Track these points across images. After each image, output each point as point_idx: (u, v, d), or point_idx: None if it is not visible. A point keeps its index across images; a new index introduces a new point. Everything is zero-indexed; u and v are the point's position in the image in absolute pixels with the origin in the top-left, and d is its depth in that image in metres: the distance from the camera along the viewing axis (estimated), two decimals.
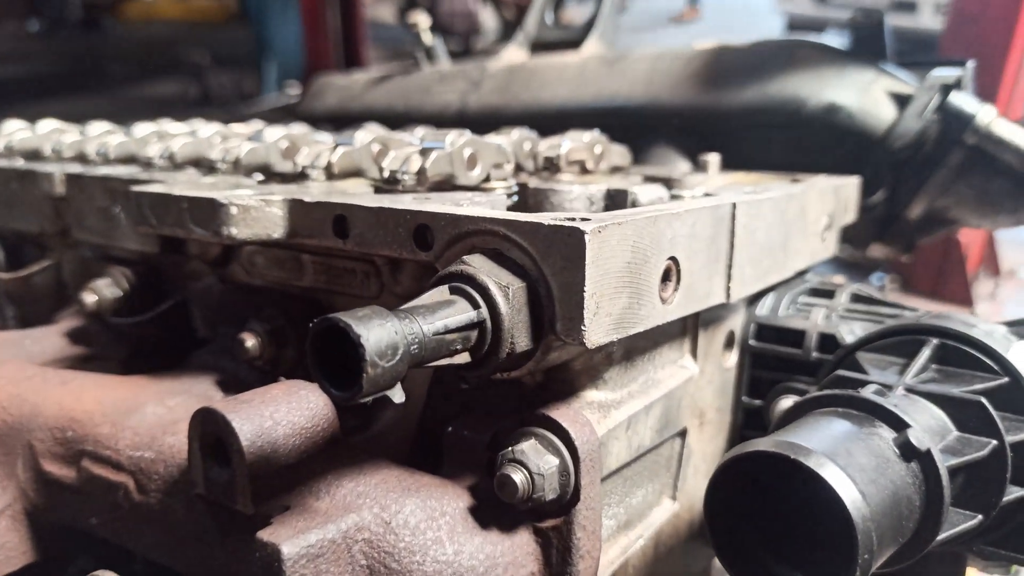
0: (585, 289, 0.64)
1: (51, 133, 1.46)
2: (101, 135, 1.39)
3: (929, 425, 0.77)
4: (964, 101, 1.35)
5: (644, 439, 0.84)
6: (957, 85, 1.37)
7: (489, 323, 0.66)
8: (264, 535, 0.64)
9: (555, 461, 0.72)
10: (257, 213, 0.83)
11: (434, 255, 0.74)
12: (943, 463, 0.71)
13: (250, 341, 0.89)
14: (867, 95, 1.43)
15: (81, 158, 1.32)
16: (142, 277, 1.09)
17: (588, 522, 0.74)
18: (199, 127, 1.30)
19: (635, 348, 0.84)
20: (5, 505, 0.88)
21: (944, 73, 1.39)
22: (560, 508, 0.73)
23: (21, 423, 0.88)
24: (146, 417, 0.83)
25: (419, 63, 2.13)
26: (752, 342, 1.02)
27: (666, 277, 0.76)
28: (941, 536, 0.74)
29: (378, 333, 0.56)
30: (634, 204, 0.96)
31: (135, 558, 0.96)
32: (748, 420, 1.02)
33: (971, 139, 1.34)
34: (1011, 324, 0.96)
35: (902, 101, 1.41)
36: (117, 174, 1.10)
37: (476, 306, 0.65)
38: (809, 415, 0.76)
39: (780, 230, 0.99)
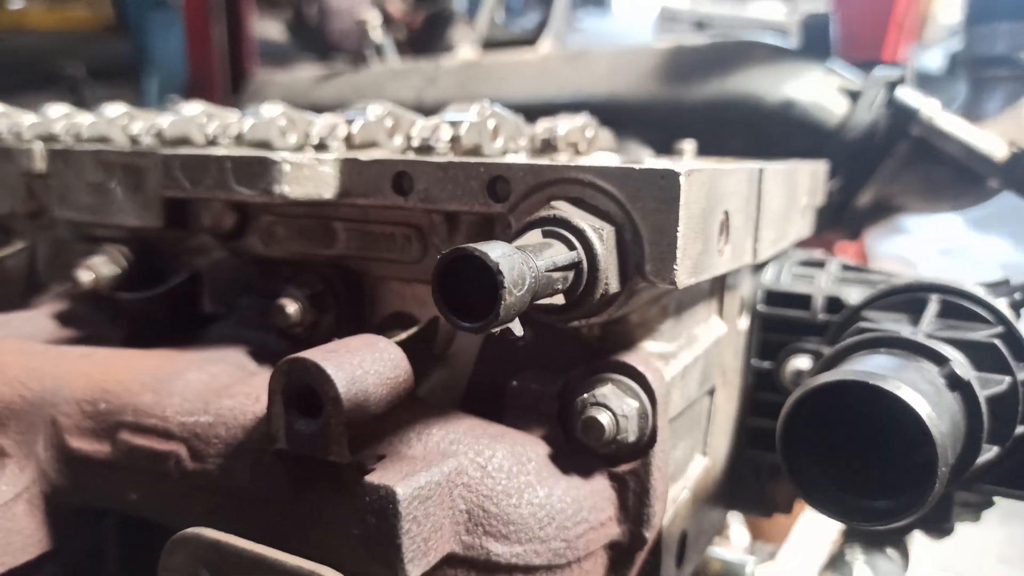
0: (679, 230, 0.67)
1: (0, 116, 1.37)
2: (64, 116, 1.32)
3: None
4: (909, 96, 1.47)
5: (691, 391, 0.87)
6: (902, 81, 1.49)
7: (585, 264, 0.67)
8: (374, 478, 0.63)
9: (635, 404, 0.74)
10: (310, 172, 0.81)
11: (508, 206, 0.75)
12: (981, 392, 0.77)
13: (291, 307, 0.87)
14: (820, 91, 1.54)
15: (47, 139, 1.24)
16: (140, 253, 1.04)
17: (663, 464, 0.76)
18: (182, 107, 1.25)
19: (683, 303, 0.88)
20: (23, 488, 0.82)
21: (887, 72, 1.52)
22: (637, 451, 0.75)
23: (43, 398, 0.82)
24: (191, 384, 0.80)
25: (368, 60, 2.12)
26: (760, 307, 1.08)
27: (721, 229, 0.80)
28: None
29: (510, 262, 0.57)
30: None
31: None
32: (758, 382, 1.08)
33: (916, 131, 1.47)
34: (991, 285, 1.06)
35: (852, 96, 1.53)
36: (111, 147, 1.05)
37: (572, 248, 0.67)
38: (854, 355, 0.81)
39: (784, 201, 1.05)
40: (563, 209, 0.69)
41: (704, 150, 1.52)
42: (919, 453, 0.69)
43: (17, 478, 0.82)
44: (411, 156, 0.80)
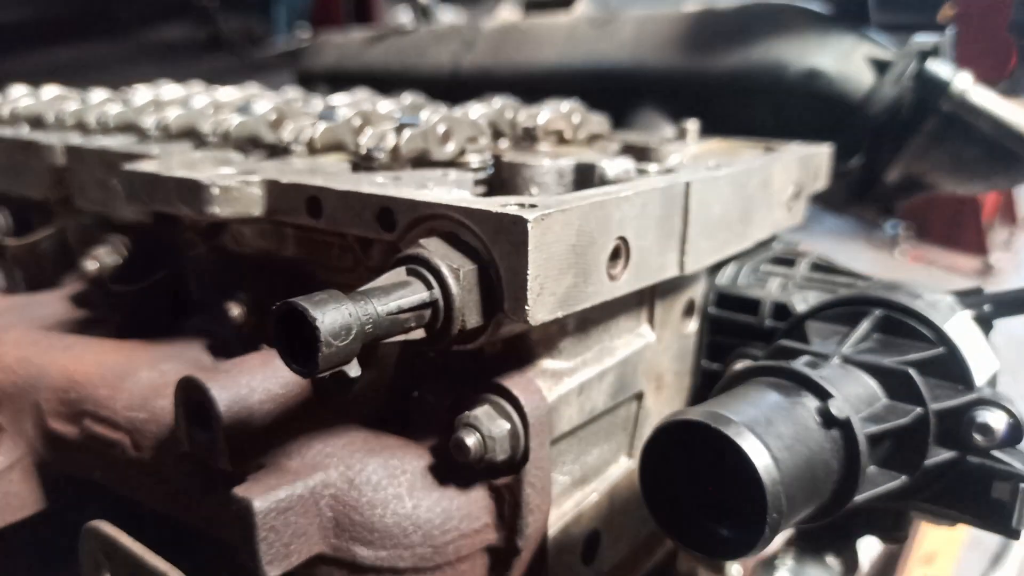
0: (528, 272, 0.70)
1: (53, 100, 1.52)
2: (101, 103, 1.44)
3: (857, 394, 0.83)
4: (940, 68, 1.37)
5: (597, 403, 0.90)
6: (934, 52, 1.39)
7: (441, 303, 0.72)
8: (239, 491, 0.71)
9: (506, 425, 0.78)
10: (238, 193, 0.89)
11: (397, 236, 0.80)
12: (862, 430, 0.77)
13: (235, 310, 0.96)
14: (847, 61, 1.45)
15: (82, 126, 1.37)
16: (140, 245, 1.16)
17: (537, 480, 0.81)
18: (196, 94, 1.35)
19: (589, 320, 0.90)
20: (17, 458, 0.97)
21: (923, 39, 1.41)
22: (511, 467, 0.80)
23: (30, 384, 0.96)
24: (140, 380, 0.91)
25: (417, 21, 2.15)
26: (711, 310, 1.08)
27: (615, 255, 0.81)
28: (866, 494, 0.81)
29: (332, 316, 0.63)
30: (602, 178, 1.00)
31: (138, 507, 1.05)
32: (706, 382, 1.09)
33: (946, 106, 1.37)
34: (962, 293, 1.01)
35: (881, 67, 1.44)
36: (114, 146, 1.16)
37: (430, 287, 0.71)
38: (743, 385, 0.82)
39: (739, 203, 1.04)
40: (427, 248, 0.73)
41: (726, 124, 1.48)
42: (760, 495, 0.70)
43: (12, 450, 0.97)
44: (320, 182, 0.85)
